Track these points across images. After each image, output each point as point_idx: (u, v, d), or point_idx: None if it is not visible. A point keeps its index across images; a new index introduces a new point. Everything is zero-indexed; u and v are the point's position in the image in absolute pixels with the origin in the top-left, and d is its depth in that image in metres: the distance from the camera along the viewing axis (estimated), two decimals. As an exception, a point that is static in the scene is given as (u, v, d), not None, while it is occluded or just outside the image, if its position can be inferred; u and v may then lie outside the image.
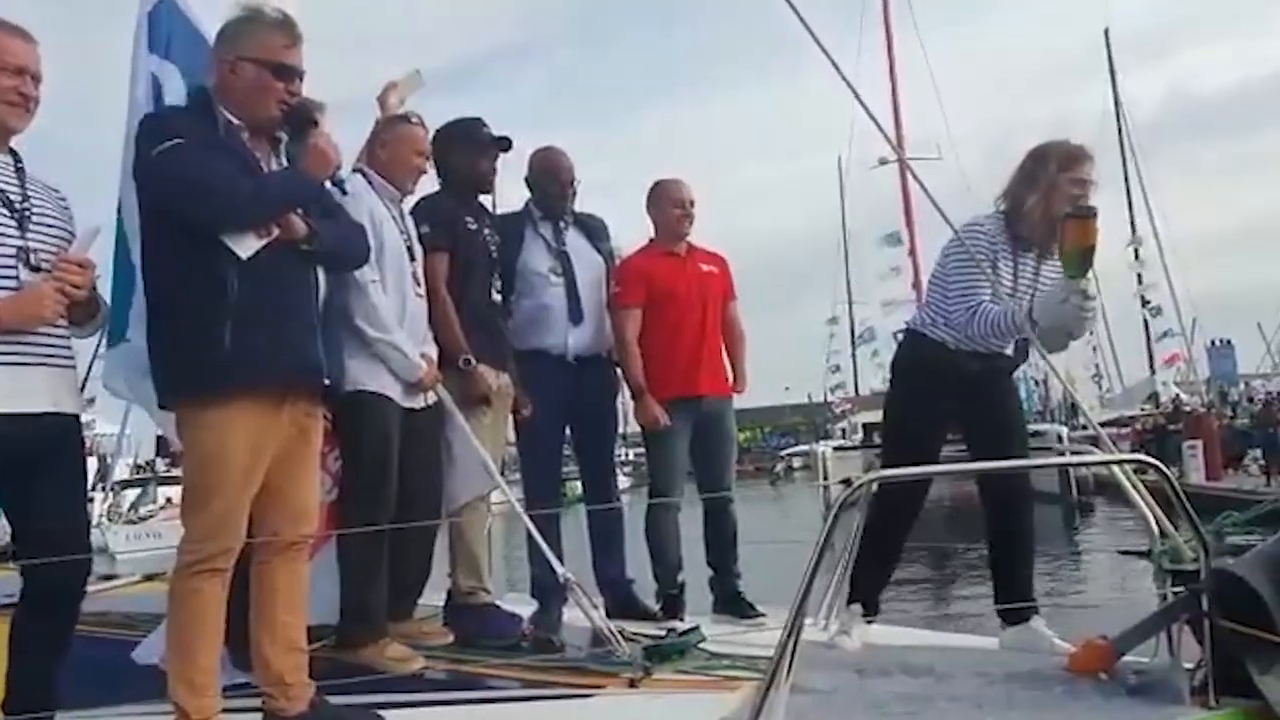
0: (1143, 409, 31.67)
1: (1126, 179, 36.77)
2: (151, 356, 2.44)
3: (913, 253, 30.87)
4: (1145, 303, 36.63)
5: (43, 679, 2.32)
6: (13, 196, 2.32)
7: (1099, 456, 3.61)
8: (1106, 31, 38.93)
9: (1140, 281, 36.60)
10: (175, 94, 3.17)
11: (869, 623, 3.21)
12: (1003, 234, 3.17)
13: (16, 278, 2.25)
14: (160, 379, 2.43)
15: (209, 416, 2.31)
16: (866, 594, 3.24)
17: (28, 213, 2.31)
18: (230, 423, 2.31)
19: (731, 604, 3.72)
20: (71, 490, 2.40)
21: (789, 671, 2.08)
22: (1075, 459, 6.93)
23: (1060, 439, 18.50)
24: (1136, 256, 36.67)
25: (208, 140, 2.36)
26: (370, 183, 3.10)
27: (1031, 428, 23.99)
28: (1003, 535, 3.24)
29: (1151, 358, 36.12)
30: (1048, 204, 3.08)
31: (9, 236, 2.27)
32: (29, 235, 2.30)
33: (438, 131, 3.52)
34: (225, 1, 2.60)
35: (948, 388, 3.17)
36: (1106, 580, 9.88)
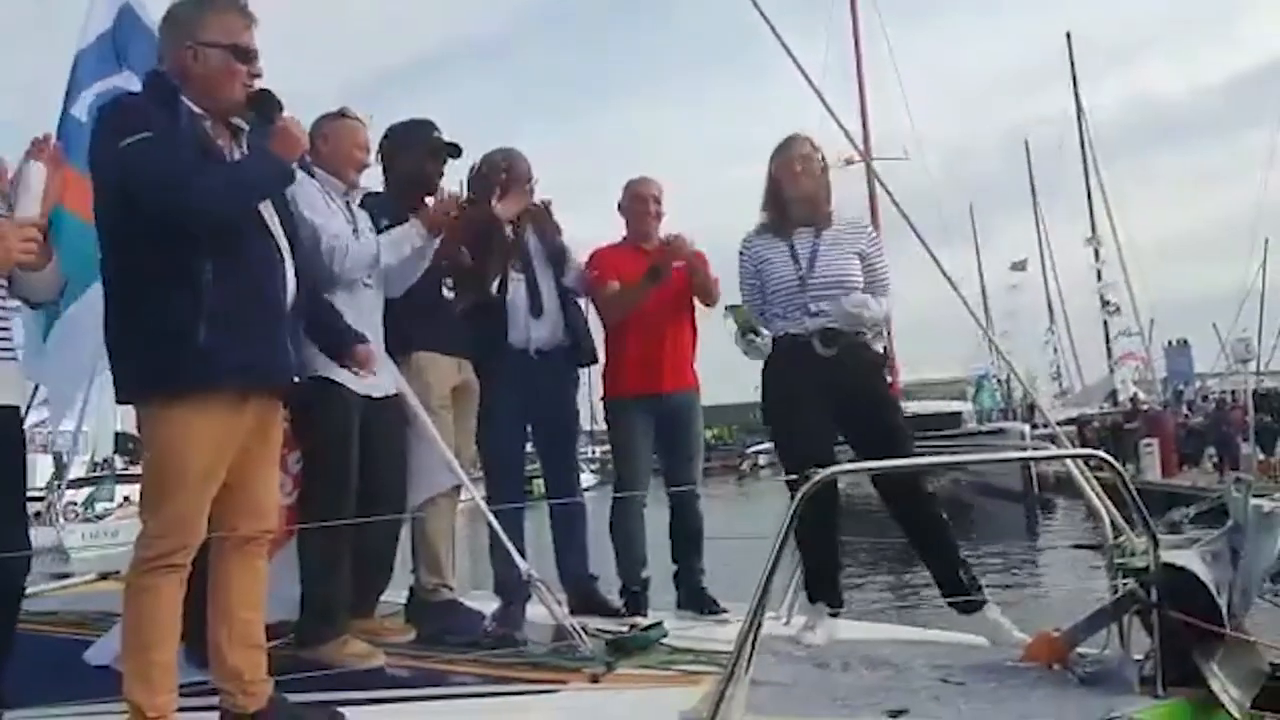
0: (1102, 407, 32.25)
1: (1087, 181, 37.41)
2: (113, 350, 2.37)
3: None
4: (1105, 303, 37.28)
5: None
6: None
7: (1054, 452, 3.68)
8: (1069, 36, 39.47)
9: (1100, 278, 37.26)
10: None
11: (834, 617, 3.25)
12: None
13: None
14: (124, 373, 2.35)
15: (174, 413, 2.27)
16: (821, 588, 3.28)
17: None
18: (196, 420, 2.27)
19: (694, 599, 3.73)
20: (11, 486, 2.34)
21: (749, 664, 2.10)
22: (1030, 454, 7.05)
23: (1023, 437, 18.79)
24: (1097, 256, 37.34)
25: (171, 131, 2.28)
26: (314, 176, 3.08)
27: (994, 425, 24.26)
28: (914, 528, 3.29)
29: (1110, 356, 36.77)
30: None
31: None
32: None
33: (389, 130, 3.51)
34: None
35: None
36: (1063, 574, 10.06)
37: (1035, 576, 10.82)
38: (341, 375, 2.88)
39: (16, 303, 2.57)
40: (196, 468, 2.28)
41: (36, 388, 3.61)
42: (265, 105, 2.42)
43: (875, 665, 2.73)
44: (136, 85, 3.15)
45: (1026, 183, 43.51)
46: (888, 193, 3.69)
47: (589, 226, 4.12)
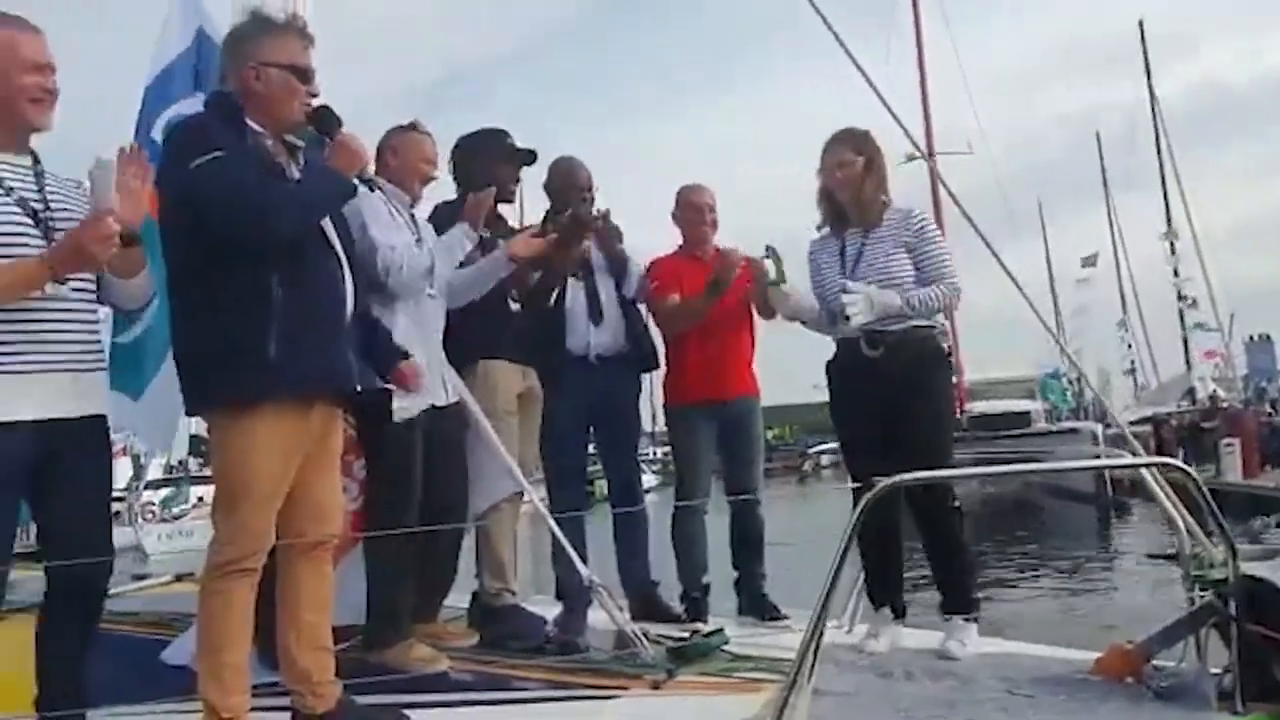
0: (1179, 405, 31.18)
1: (1162, 172, 36.18)
2: (182, 364, 2.45)
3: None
4: (1182, 297, 36.03)
5: (72, 677, 2.36)
6: (35, 204, 2.29)
7: (1126, 460, 3.57)
8: (1141, 23, 38.20)
9: (1176, 274, 36.01)
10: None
11: (898, 625, 3.21)
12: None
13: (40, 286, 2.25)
14: (192, 386, 2.43)
15: (242, 424, 2.33)
16: (884, 596, 3.24)
17: (51, 220, 2.29)
18: (262, 431, 2.33)
19: (756, 606, 3.71)
20: (95, 490, 2.43)
21: (811, 673, 2.08)
22: (1098, 463, 6.84)
23: (1095, 437, 18.26)
24: (1173, 249, 36.08)
25: (238, 149, 2.37)
26: (381, 190, 3.14)
27: (1065, 425, 23.49)
28: (927, 534, 3.23)
29: (1188, 352, 35.53)
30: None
31: (32, 244, 2.25)
32: (54, 242, 2.27)
33: (461, 141, 3.57)
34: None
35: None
36: (1136, 583, 9.74)
37: (1107, 583, 10.50)
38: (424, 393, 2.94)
39: (106, 310, 2.64)
40: (264, 477, 2.34)
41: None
42: (325, 121, 2.49)
43: (939, 675, 2.69)
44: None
45: (1092, 174, 42.28)
46: (949, 192, 3.62)
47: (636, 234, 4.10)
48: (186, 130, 2.47)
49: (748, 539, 3.83)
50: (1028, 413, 26.29)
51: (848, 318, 3.14)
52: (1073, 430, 21.84)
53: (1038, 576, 10.74)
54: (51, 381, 2.27)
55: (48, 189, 2.34)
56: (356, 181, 2.53)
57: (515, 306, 3.55)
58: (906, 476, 2.63)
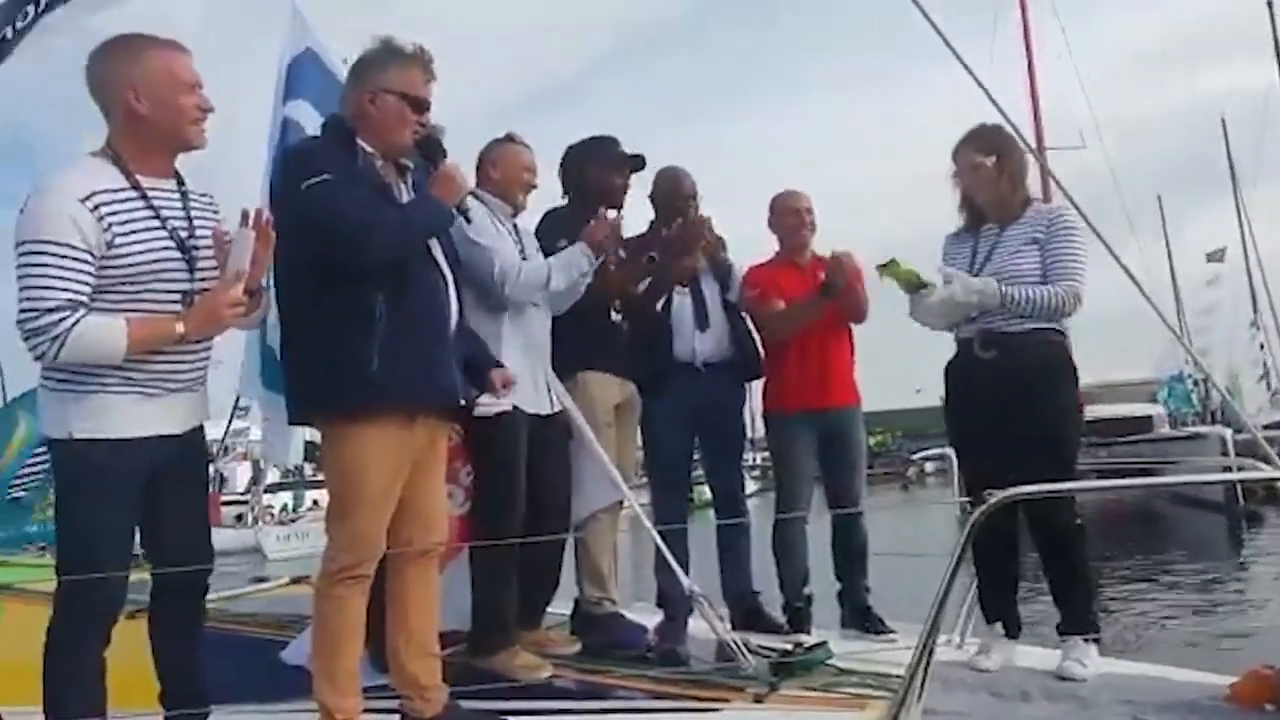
0: (1318, 410, 29.18)
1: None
2: (290, 372, 2.55)
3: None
4: (1319, 295, 33.72)
5: (188, 674, 2.47)
6: (182, 232, 2.35)
7: (1263, 473, 3.35)
8: (1270, 2, 35.89)
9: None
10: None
11: (1011, 642, 3.08)
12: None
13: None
14: (299, 395, 2.53)
15: (352, 434, 2.41)
16: (997, 611, 3.12)
17: (195, 246, 2.38)
18: (372, 441, 2.40)
19: (860, 618, 3.64)
20: (197, 497, 2.55)
21: (921, 692, 2.02)
22: (1232, 476, 6.43)
23: (1224, 443, 17.24)
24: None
25: (350, 172, 2.46)
26: (484, 202, 3.19)
27: (1190, 430, 22.14)
28: (1044, 558, 3.07)
29: (1326, 354, 33.21)
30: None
31: (178, 280, 2.33)
32: (196, 277, 2.37)
33: (571, 148, 3.61)
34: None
35: None
36: (1273, 601, 9.11)
37: (1241, 600, 9.85)
38: (510, 396, 2.98)
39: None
40: (374, 486, 2.41)
41: (237, 401, 3.89)
42: (431, 150, 2.60)
43: (1057, 697, 2.57)
44: (304, 116, 3.39)
45: (1215, 165, 39.80)
46: (1060, 187, 3.45)
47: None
48: (300, 154, 2.59)
49: (850, 549, 3.75)
50: (1149, 417, 25.04)
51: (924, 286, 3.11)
52: (1199, 436, 20.64)
53: (1163, 592, 10.17)
54: (175, 401, 2.39)
55: (192, 211, 2.41)
56: (454, 211, 2.59)
57: (617, 318, 3.57)
58: (1021, 490, 2.51)
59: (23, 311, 2.17)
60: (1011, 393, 3.01)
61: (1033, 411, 2.99)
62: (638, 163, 3.63)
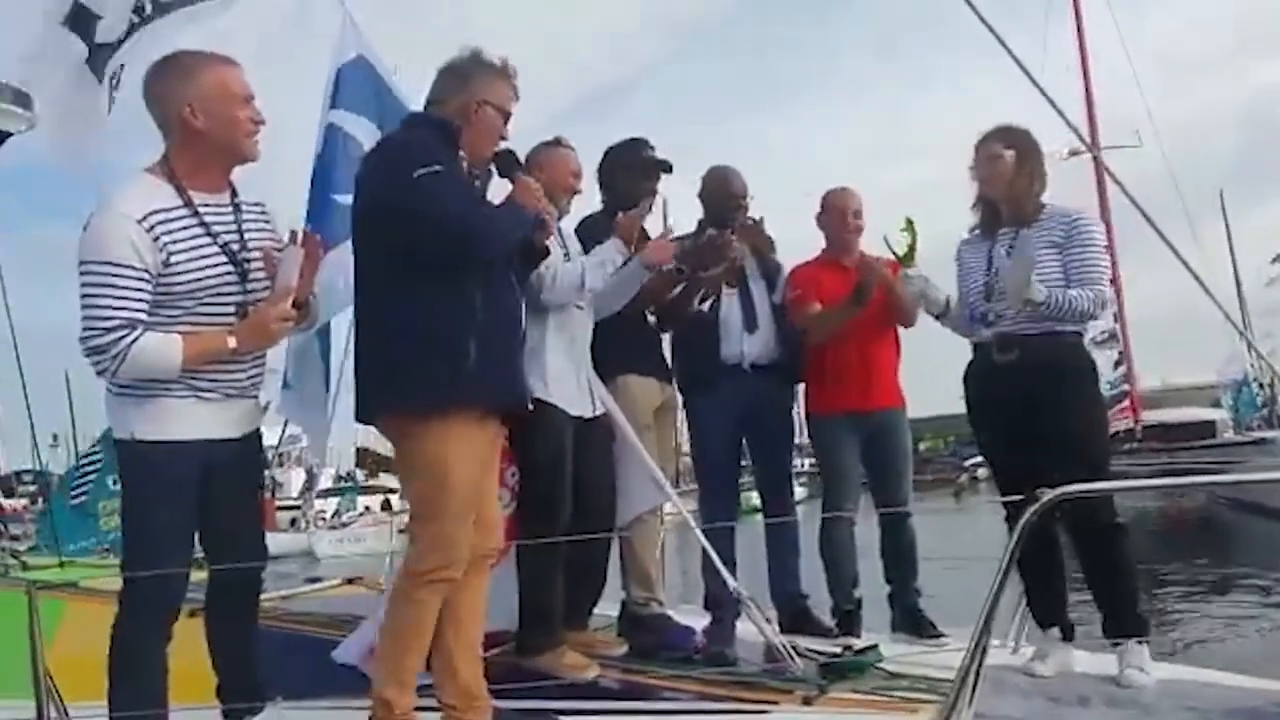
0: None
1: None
2: (370, 366, 2.49)
3: (1110, 248, 28.55)
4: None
5: (243, 669, 2.54)
6: (234, 246, 2.43)
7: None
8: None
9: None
10: (369, 141, 3.50)
11: (1067, 647, 3.01)
12: None
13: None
14: (381, 389, 2.46)
15: (439, 430, 2.39)
16: (1049, 616, 3.05)
17: (247, 259, 2.46)
18: (457, 437, 2.40)
19: (910, 622, 3.58)
20: (251, 496, 2.61)
21: (973, 695, 1.98)
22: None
23: (1291, 447, 16.70)
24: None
25: (455, 170, 2.50)
26: None
27: (1255, 435, 21.47)
28: (1083, 560, 2.99)
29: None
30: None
31: (231, 293, 2.42)
32: (249, 288, 2.45)
33: (607, 151, 3.64)
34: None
35: None
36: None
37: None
38: (555, 397, 3.00)
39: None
40: (464, 485, 2.41)
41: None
42: (507, 164, 2.66)
43: (1116, 703, 2.50)
44: (349, 124, 3.44)
45: (1275, 161, 38.46)
46: (1117, 182, 3.37)
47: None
48: (406, 144, 2.57)
49: (898, 552, 3.70)
50: (1212, 422, 24.36)
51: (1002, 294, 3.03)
52: (1263, 441, 20.00)
53: (1227, 600, 9.86)
54: (233, 407, 2.48)
55: (244, 222, 2.48)
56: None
57: (652, 320, 3.57)
58: (1070, 489, 2.46)
59: (85, 329, 2.28)
60: (1036, 394, 2.96)
61: (1060, 411, 2.95)
62: (665, 166, 3.62)
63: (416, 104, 2.96)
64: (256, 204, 2.56)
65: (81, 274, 2.29)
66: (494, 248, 2.49)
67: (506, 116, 2.63)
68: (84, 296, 2.28)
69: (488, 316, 2.44)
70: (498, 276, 2.53)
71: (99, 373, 2.31)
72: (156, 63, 2.47)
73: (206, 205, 2.42)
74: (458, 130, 2.56)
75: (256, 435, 2.61)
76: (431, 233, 2.39)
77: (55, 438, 25.77)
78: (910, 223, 3.31)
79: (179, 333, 2.34)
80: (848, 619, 3.59)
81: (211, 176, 2.45)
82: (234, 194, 2.51)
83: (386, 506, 27.10)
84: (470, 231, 2.41)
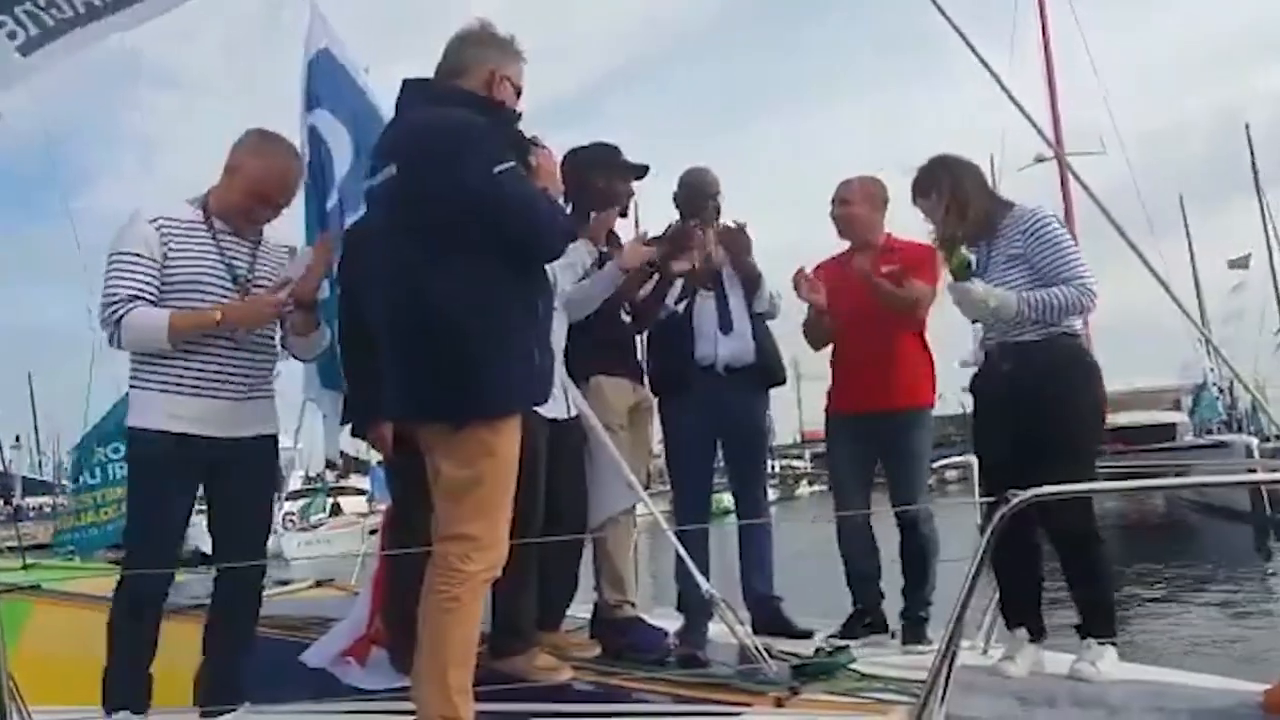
0: (1346, 418, 28.66)
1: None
2: (441, 370, 2.34)
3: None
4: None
5: (232, 671, 2.62)
6: (240, 268, 2.74)
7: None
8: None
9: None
10: (340, 145, 3.49)
11: (1036, 648, 3.04)
12: None
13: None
14: (452, 393, 2.33)
15: (505, 429, 2.35)
16: (1018, 617, 3.08)
17: (252, 284, 2.72)
18: (513, 436, 2.38)
19: (913, 636, 3.50)
20: (261, 500, 2.75)
21: (943, 696, 2.00)
22: (1253, 477, 6.33)
23: (1249, 451, 17.02)
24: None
25: (520, 163, 2.46)
26: None
27: (1215, 439, 21.89)
28: (1063, 563, 3.01)
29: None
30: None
31: (224, 297, 2.70)
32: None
33: (568, 155, 3.49)
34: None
35: None
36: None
37: (1269, 608, 9.69)
38: None
39: (282, 356, 3.01)
40: (513, 481, 2.40)
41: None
42: (524, 146, 2.61)
43: (1085, 703, 2.53)
44: (325, 126, 3.45)
45: (1237, 170, 39.31)
46: (1084, 187, 3.42)
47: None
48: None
49: (907, 558, 3.64)
50: (1173, 425, 24.74)
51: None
52: (1221, 444, 20.36)
53: (1191, 601, 10.03)
54: (224, 404, 2.67)
55: (259, 255, 2.81)
56: None
57: (627, 319, 3.57)
58: (1042, 490, 2.49)
59: (100, 308, 2.65)
60: (1026, 399, 3.00)
61: (1047, 414, 2.96)
62: (641, 170, 3.62)
63: (387, 104, 2.94)
64: (284, 247, 2.90)
65: (106, 265, 2.67)
66: (557, 246, 2.51)
67: (519, 93, 2.59)
68: (104, 283, 2.65)
69: (544, 314, 2.50)
70: (542, 275, 2.58)
71: (110, 343, 2.65)
72: (257, 133, 2.82)
73: (225, 233, 2.76)
74: (516, 115, 2.55)
75: (268, 439, 2.77)
76: (512, 229, 2.33)
77: (18, 439, 25.42)
78: (956, 245, 3.16)
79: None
80: (915, 629, 3.51)
81: (237, 222, 2.80)
82: (259, 240, 2.80)
83: (337, 510, 27.04)
84: (554, 228, 2.44)
